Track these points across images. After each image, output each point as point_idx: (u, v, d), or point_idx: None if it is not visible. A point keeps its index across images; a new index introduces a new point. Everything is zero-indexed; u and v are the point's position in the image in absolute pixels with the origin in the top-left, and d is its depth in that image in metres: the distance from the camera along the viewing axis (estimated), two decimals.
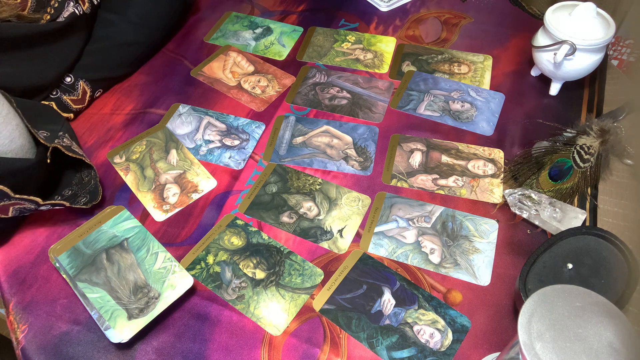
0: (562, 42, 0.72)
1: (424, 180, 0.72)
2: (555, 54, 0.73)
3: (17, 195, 0.59)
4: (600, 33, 0.72)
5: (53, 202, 0.63)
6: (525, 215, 0.65)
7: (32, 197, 0.61)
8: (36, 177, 0.65)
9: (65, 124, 0.73)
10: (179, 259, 0.65)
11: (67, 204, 0.64)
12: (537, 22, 0.94)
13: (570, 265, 0.57)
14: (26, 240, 0.67)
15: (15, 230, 0.68)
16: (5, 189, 0.58)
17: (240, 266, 0.64)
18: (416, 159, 0.74)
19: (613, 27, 0.72)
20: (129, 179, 0.73)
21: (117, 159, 0.76)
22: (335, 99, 0.83)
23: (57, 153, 0.67)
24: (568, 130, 0.70)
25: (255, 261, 0.64)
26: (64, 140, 0.68)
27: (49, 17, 0.75)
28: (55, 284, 0.63)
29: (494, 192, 0.70)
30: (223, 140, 0.78)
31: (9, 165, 0.60)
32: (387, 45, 0.92)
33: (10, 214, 0.61)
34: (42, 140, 0.64)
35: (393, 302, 0.60)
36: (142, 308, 0.57)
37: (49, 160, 0.65)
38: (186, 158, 0.76)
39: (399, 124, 0.79)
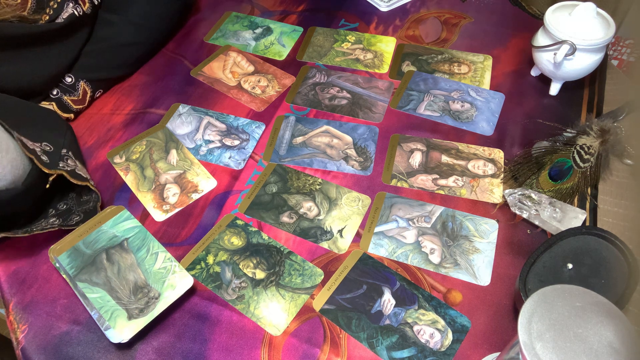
0: (562, 42, 0.72)
1: (424, 180, 0.72)
2: (555, 54, 0.73)
3: (2, 234, 0.59)
4: (600, 33, 0.72)
5: (43, 231, 0.62)
6: (525, 215, 0.65)
7: (19, 234, 0.60)
8: (27, 201, 0.63)
9: (67, 133, 0.71)
10: (179, 259, 0.65)
11: (57, 227, 0.63)
12: (537, 22, 0.94)
13: (570, 265, 0.57)
14: (26, 240, 0.67)
15: None
16: None
17: (240, 266, 0.64)
18: (416, 159, 0.74)
19: (613, 27, 0.72)
20: (129, 179, 0.73)
21: (117, 159, 0.76)
22: (335, 99, 0.83)
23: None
24: (568, 130, 0.70)
25: (255, 261, 0.64)
26: (68, 162, 0.66)
27: (47, 17, 0.75)
28: (55, 284, 0.63)
29: (494, 192, 0.70)
30: (223, 140, 0.78)
31: None
32: (387, 45, 0.92)
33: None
34: (45, 169, 0.61)
35: (393, 302, 0.60)
36: (142, 308, 0.57)
37: (48, 185, 0.63)
38: (186, 158, 0.76)
39: (399, 124, 0.79)
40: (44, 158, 0.63)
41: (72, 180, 0.64)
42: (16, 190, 0.60)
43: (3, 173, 0.59)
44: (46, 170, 0.62)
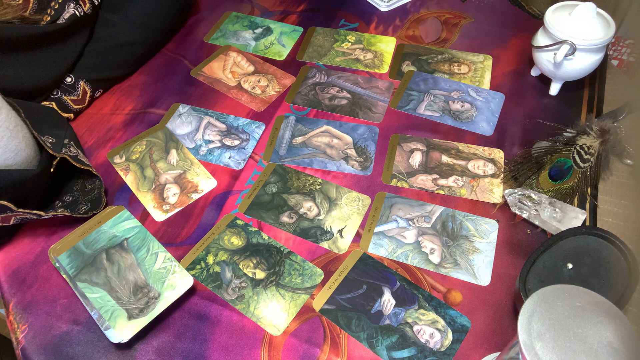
0: (562, 42, 0.72)
1: (424, 180, 0.72)
2: (555, 54, 0.73)
3: (20, 210, 0.59)
4: (600, 33, 0.72)
5: (55, 213, 0.63)
6: (525, 215, 0.65)
7: (34, 211, 0.61)
8: (39, 186, 0.65)
9: (68, 128, 0.73)
10: (179, 259, 0.65)
11: (68, 213, 0.64)
12: (537, 22, 0.94)
13: (570, 265, 0.57)
14: (26, 240, 0.67)
15: (15, 230, 0.68)
16: (8, 204, 0.58)
17: (240, 266, 0.64)
18: (416, 159, 0.74)
19: (613, 27, 0.72)
20: (129, 179, 0.73)
21: (117, 159, 0.76)
22: (335, 99, 0.83)
23: (62, 160, 0.67)
24: (568, 130, 0.70)
25: (255, 261, 0.64)
26: (71, 149, 0.68)
27: (49, 18, 0.75)
28: (55, 284, 0.63)
29: (494, 192, 0.70)
30: (223, 140, 0.78)
31: (11, 177, 0.60)
32: (387, 45, 0.92)
33: (12, 223, 0.62)
34: (49, 150, 0.64)
35: (393, 302, 0.60)
36: (142, 308, 0.57)
37: (52, 169, 0.65)
38: (186, 158, 0.76)
39: (399, 124, 0.79)
40: (49, 144, 0.65)
41: (75, 163, 0.66)
42: (33, 172, 0.62)
43: (20, 147, 0.61)
44: (51, 152, 0.64)
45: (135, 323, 0.56)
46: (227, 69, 0.90)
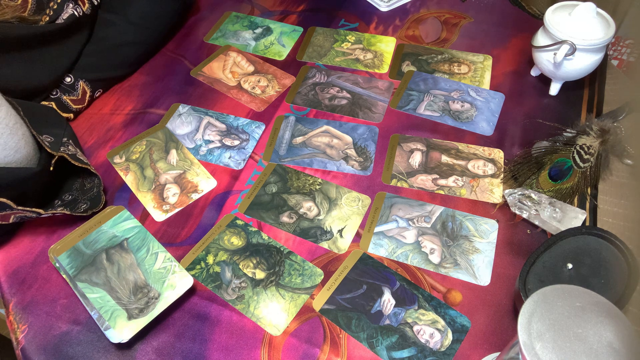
0: (562, 42, 0.72)
1: (424, 180, 0.72)
2: (555, 54, 0.73)
3: (20, 207, 0.60)
4: (600, 33, 0.72)
5: (54, 211, 0.63)
6: (525, 215, 0.65)
7: (34, 209, 0.61)
8: (38, 184, 0.65)
9: (67, 127, 0.73)
10: (179, 259, 0.65)
11: (68, 212, 0.65)
12: (537, 22, 0.94)
13: (570, 265, 0.57)
14: (26, 240, 0.67)
15: (15, 230, 0.68)
16: (7, 201, 0.58)
17: (240, 266, 0.64)
18: (416, 159, 0.74)
19: (613, 27, 0.72)
20: (129, 179, 0.73)
21: (117, 159, 0.76)
22: (335, 99, 0.83)
23: (61, 159, 0.67)
24: (568, 130, 0.70)
25: (255, 261, 0.64)
26: (69, 147, 0.68)
27: (47, 18, 0.75)
28: (55, 284, 0.63)
29: (494, 192, 0.70)
30: (223, 140, 0.78)
31: (11, 175, 0.60)
32: (387, 45, 0.92)
33: (11, 221, 0.62)
34: (47, 149, 0.64)
35: (393, 302, 0.60)
36: (142, 308, 0.57)
37: (52, 168, 0.65)
38: (186, 158, 0.76)
39: (398, 124, 0.79)
40: (47, 143, 0.65)
41: (73, 162, 0.66)
42: (32, 170, 0.62)
43: (19, 145, 0.61)
44: (49, 150, 0.64)
45: (135, 323, 0.56)
46: (227, 69, 0.90)
